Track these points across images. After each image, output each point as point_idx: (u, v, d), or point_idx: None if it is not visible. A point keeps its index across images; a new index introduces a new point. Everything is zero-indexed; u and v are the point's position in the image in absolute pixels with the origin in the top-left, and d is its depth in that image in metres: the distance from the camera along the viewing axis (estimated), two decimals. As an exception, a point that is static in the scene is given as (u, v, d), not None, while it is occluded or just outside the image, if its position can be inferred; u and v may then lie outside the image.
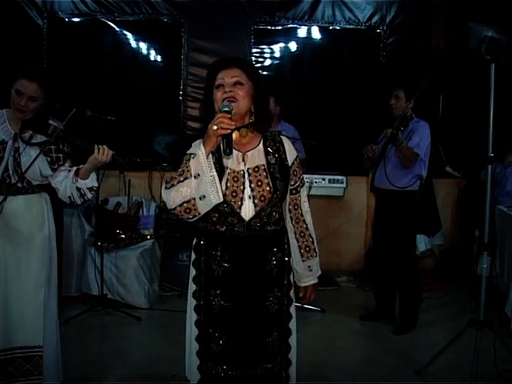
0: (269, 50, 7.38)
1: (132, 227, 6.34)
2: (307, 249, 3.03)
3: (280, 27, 7.32)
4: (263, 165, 2.83)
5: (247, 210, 2.78)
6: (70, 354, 4.45)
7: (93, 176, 3.61)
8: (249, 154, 2.85)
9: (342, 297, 6.47)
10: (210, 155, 2.71)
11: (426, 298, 6.35)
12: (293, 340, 3.01)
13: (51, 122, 3.58)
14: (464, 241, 7.20)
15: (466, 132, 6.91)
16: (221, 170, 2.78)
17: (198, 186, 2.69)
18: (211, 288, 2.88)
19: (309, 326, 5.64)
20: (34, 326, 3.61)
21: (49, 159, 3.59)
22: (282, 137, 2.96)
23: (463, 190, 7.47)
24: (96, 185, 3.65)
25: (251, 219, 2.79)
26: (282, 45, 7.40)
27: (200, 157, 2.69)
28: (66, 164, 3.64)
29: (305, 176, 5.74)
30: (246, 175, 2.80)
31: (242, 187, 2.78)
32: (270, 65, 7.38)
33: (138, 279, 5.95)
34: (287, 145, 2.93)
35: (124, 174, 6.83)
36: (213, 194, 2.69)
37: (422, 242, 6.61)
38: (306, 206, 3.03)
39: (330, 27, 7.35)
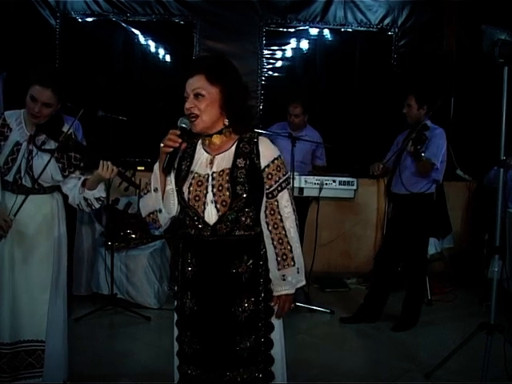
0: (280, 52, 7.40)
1: (142, 227, 6.34)
2: (284, 257, 2.82)
3: (292, 29, 7.34)
4: (228, 168, 2.75)
5: (210, 215, 2.75)
6: (79, 353, 4.48)
7: (101, 187, 3.63)
8: (218, 157, 2.80)
9: (352, 299, 6.44)
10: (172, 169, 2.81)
11: (435, 301, 6.39)
12: (277, 352, 2.89)
13: (66, 126, 3.63)
14: (474, 244, 7.19)
15: (477, 135, 6.90)
16: (187, 174, 2.81)
17: (156, 199, 2.82)
18: (184, 290, 2.88)
19: (318, 327, 5.65)
20: (37, 321, 3.65)
21: (60, 166, 3.61)
22: (259, 138, 2.82)
23: (474, 193, 7.45)
24: (104, 195, 3.68)
25: (215, 224, 2.75)
26: (293, 46, 7.42)
27: (156, 172, 2.80)
28: (77, 172, 3.66)
29: (315, 178, 5.86)
30: (210, 179, 2.76)
31: (204, 191, 2.74)
32: (281, 66, 7.40)
33: (148, 279, 5.97)
34: (263, 147, 2.79)
35: (135, 175, 6.83)
36: (167, 208, 2.84)
37: (432, 245, 6.58)
38: (286, 211, 2.81)
39: (342, 29, 7.37)
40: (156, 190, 2.80)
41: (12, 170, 3.56)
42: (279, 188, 2.79)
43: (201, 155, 2.84)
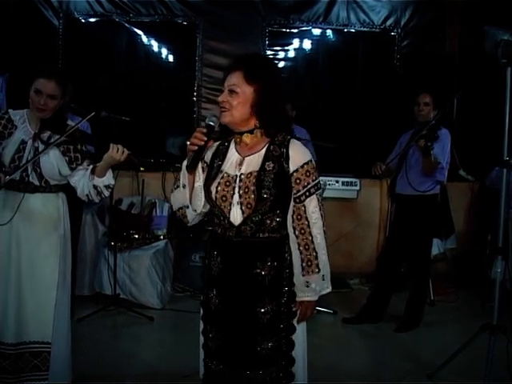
0: (283, 52, 7.40)
1: (145, 227, 6.36)
2: (309, 263, 2.79)
3: (294, 29, 7.33)
4: (256, 171, 2.75)
5: (235, 216, 2.76)
6: (83, 354, 4.47)
7: (109, 174, 3.64)
8: (248, 159, 2.81)
9: (354, 299, 6.45)
10: (200, 165, 2.85)
11: (438, 302, 6.38)
12: (299, 353, 2.90)
13: (69, 122, 3.66)
14: (477, 244, 7.18)
15: (480, 136, 6.89)
16: (217, 173, 2.83)
17: (184, 195, 2.86)
18: (210, 286, 2.90)
19: (321, 328, 5.64)
20: (43, 322, 3.64)
21: (67, 159, 3.63)
22: (290, 142, 2.81)
23: (476, 194, 7.45)
24: (113, 182, 3.69)
25: (240, 225, 2.76)
26: (296, 47, 7.41)
27: (184, 169, 2.83)
28: (84, 163, 3.68)
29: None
30: (238, 181, 2.76)
31: (231, 192, 2.76)
32: (283, 67, 7.38)
33: (151, 279, 5.97)
34: (293, 151, 2.78)
35: (138, 175, 6.88)
36: (194, 205, 2.87)
37: (435, 246, 6.57)
38: (314, 216, 2.78)
39: (345, 29, 7.36)
40: (184, 186, 2.85)
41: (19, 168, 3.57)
42: (307, 193, 2.77)
43: (232, 155, 2.86)
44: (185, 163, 2.82)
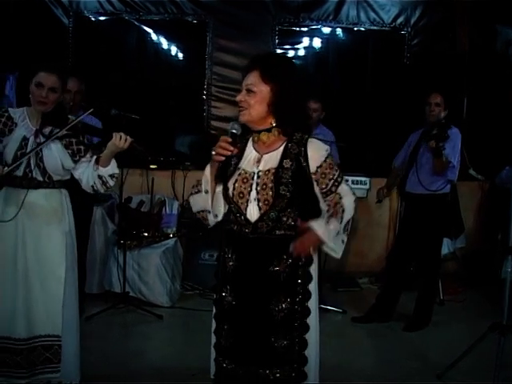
0: (293, 51, 7.39)
1: (155, 226, 6.37)
2: (335, 214, 2.80)
3: (304, 28, 7.32)
4: (274, 168, 2.79)
5: (252, 212, 2.80)
6: (92, 352, 4.49)
7: (113, 163, 3.68)
8: (266, 156, 2.85)
9: (364, 298, 6.44)
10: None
11: (447, 301, 6.37)
12: (311, 353, 2.92)
13: (70, 116, 3.70)
14: (487, 244, 7.16)
15: (490, 135, 6.87)
16: (234, 170, 2.86)
17: (206, 200, 2.89)
18: (224, 284, 2.92)
19: (330, 327, 5.62)
20: (53, 315, 3.67)
21: (70, 152, 3.66)
22: (308, 141, 2.83)
23: (486, 193, 7.43)
24: (117, 171, 3.72)
25: (257, 221, 2.80)
26: (306, 45, 7.40)
27: (207, 175, 2.87)
28: (88, 155, 3.70)
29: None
30: (255, 177, 2.80)
31: (249, 189, 2.80)
32: (293, 65, 7.36)
33: (160, 277, 5.97)
34: (312, 150, 2.81)
35: (147, 173, 6.89)
36: (215, 210, 2.91)
37: (445, 245, 6.55)
38: (345, 194, 2.85)
39: (355, 28, 7.34)
40: (207, 191, 2.88)
41: (22, 164, 3.59)
42: (336, 183, 2.84)
43: (250, 152, 2.90)
44: (208, 169, 2.86)
